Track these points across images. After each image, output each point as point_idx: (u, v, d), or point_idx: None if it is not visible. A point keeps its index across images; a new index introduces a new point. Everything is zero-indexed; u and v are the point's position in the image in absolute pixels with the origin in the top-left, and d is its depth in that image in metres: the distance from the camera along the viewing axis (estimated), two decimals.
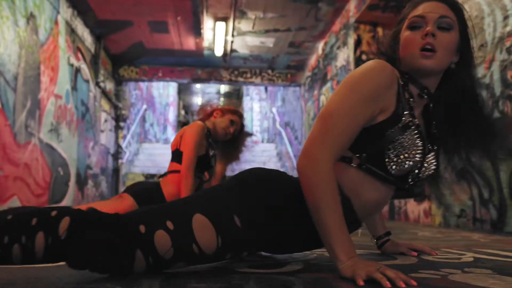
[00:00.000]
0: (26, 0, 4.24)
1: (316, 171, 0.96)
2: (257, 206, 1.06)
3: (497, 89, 2.62)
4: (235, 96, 22.87)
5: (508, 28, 2.58)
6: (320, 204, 0.95)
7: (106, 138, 7.32)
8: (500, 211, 2.60)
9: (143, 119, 11.18)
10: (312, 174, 0.96)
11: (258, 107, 14.98)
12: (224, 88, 20.96)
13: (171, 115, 15.14)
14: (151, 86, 12.26)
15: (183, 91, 20.98)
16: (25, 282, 0.94)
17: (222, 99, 23.63)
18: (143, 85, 10.82)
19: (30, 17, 4.35)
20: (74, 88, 5.65)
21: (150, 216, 0.98)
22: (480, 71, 2.77)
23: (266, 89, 13.83)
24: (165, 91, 14.58)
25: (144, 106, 10.88)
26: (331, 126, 0.99)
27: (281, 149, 10.77)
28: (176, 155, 2.27)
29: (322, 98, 6.69)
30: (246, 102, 15.70)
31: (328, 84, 6.38)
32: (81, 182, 5.93)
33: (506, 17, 2.60)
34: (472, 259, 1.36)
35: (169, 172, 2.30)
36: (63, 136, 5.23)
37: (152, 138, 12.61)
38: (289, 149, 9.39)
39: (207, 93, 22.80)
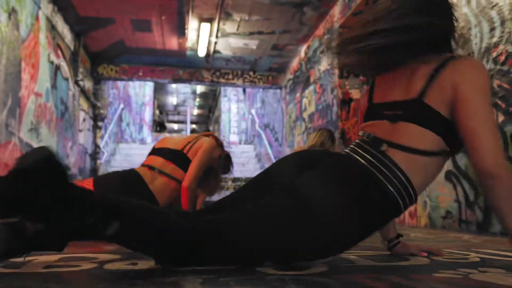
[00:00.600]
0: None
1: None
2: (327, 236, 1.10)
3: None
4: (211, 97, 22.81)
5: (494, 39, 2.69)
6: None
7: (84, 138, 7.16)
8: (485, 213, 2.71)
9: (120, 119, 11.00)
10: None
11: (236, 108, 14.99)
12: (200, 88, 20.85)
13: (147, 114, 14.95)
14: (128, 85, 12.08)
15: (158, 91, 20.75)
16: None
17: (197, 99, 23.55)
18: (120, 84, 10.65)
19: (12, 12, 4.21)
20: (54, 86, 5.51)
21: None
22: None
23: (244, 90, 13.85)
24: (141, 90, 14.39)
25: (121, 106, 10.71)
26: (495, 132, 1.12)
27: (260, 151, 10.81)
28: (179, 158, 2.17)
29: (305, 100, 6.77)
30: (224, 103, 15.69)
31: (311, 87, 6.47)
32: None
33: (492, 29, 2.71)
34: (478, 259, 1.42)
35: (167, 174, 2.13)
36: (42, 135, 5.09)
37: (128, 138, 12.42)
38: (269, 151, 9.44)
39: (182, 93, 22.66)
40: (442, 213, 3.15)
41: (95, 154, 7.78)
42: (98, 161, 7.85)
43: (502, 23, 2.64)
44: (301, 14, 5.86)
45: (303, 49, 6.99)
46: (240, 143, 13.60)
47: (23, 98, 4.48)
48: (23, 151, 4.49)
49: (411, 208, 3.61)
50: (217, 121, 21.75)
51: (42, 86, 5.06)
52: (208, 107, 25.05)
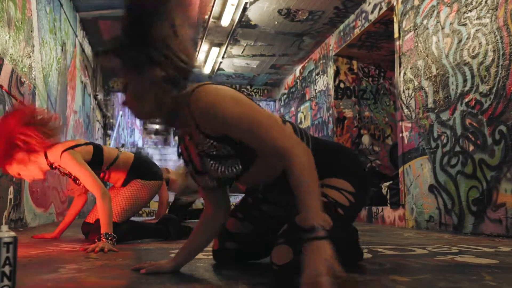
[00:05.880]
0: (61, 30, 4.78)
1: None
2: None
3: (458, 131, 3.66)
4: None
5: (466, 88, 3.62)
6: None
7: None
8: (460, 218, 3.63)
9: (118, 125, 11.56)
10: None
11: None
12: None
13: None
14: None
15: None
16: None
17: None
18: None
19: (63, 45, 4.88)
20: (83, 103, 6.16)
21: None
22: (446, 116, 3.81)
23: None
24: None
25: (121, 112, 11.28)
26: (267, 123, 1.23)
27: None
28: None
29: (300, 115, 7.64)
30: None
31: (307, 104, 7.34)
32: None
33: (465, 80, 3.64)
34: (458, 250, 2.29)
35: None
36: None
37: (123, 142, 12.97)
38: None
39: None
40: (426, 217, 4.07)
41: None
42: None
43: (472, 77, 3.56)
44: (300, 42, 6.72)
45: (298, 68, 7.85)
46: None
47: (68, 117, 5.15)
48: None
49: (400, 212, 4.53)
50: None
51: (77, 104, 5.72)
52: None
